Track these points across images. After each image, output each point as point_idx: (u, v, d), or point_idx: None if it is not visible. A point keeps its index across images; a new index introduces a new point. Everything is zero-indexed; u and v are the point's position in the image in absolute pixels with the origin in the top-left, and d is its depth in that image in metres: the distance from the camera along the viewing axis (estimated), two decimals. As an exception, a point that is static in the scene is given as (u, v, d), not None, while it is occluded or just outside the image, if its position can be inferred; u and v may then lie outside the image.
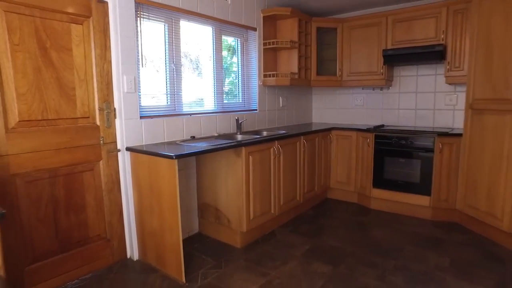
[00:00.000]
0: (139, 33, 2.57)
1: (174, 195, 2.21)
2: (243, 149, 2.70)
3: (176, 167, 2.18)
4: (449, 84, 3.60)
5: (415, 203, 3.46)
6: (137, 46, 2.56)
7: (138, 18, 2.56)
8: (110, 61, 2.43)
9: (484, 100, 2.91)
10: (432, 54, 3.40)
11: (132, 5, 2.47)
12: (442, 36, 3.39)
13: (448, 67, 3.41)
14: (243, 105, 3.73)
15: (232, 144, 2.64)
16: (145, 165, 2.40)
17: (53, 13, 2.14)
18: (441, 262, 2.55)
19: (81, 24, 2.27)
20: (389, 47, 3.71)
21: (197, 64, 3.22)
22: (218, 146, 2.50)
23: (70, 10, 2.20)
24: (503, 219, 2.71)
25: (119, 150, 2.53)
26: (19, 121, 2.03)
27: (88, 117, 2.36)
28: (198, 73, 3.23)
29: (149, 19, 2.68)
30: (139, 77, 2.60)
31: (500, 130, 2.74)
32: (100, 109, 2.41)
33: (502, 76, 2.70)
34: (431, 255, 2.66)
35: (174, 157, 2.15)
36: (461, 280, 2.29)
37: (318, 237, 3.04)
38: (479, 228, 3.04)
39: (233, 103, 3.64)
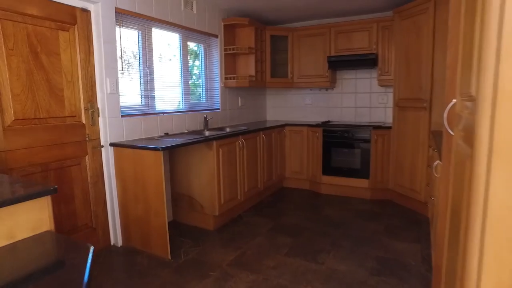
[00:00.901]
0: (118, 40, 2.83)
1: (160, 182, 2.54)
2: (214, 143, 3.10)
3: (162, 158, 2.51)
4: (381, 86, 4.33)
5: (357, 186, 4.13)
6: (117, 52, 2.82)
7: (118, 26, 2.83)
8: (94, 65, 2.67)
9: (405, 99, 3.63)
10: (367, 61, 4.08)
11: (112, 14, 2.73)
12: (374, 46, 4.09)
13: (379, 72, 4.13)
14: (207, 105, 4.10)
15: (207, 137, 3.02)
16: (130, 158, 2.68)
17: (43, 20, 2.34)
18: (377, 229, 3.19)
19: (67, 31, 2.50)
20: (333, 54, 4.34)
21: (166, 68, 3.52)
22: (196, 140, 2.86)
23: (58, 17, 2.42)
24: (421, 192, 3.44)
25: (102, 146, 2.77)
26: (15, 119, 2.22)
27: (75, 116, 2.59)
28: (167, 76, 3.54)
29: (127, 27, 2.95)
30: (119, 80, 2.86)
31: (417, 123, 3.47)
32: (86, 109, 2.64)
33: (417, 80, 3.43)
34: (370, 225, 3.29)
35: (160, 149, 2.48)
36: (392, 240, 2.93)
37: (279, 218, 3.53)
38: (405, 201, 3.77)
39: (198, 103, 4.00)
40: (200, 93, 4.05)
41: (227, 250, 2.78)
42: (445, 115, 1.05)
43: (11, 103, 2.19)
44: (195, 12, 3.65)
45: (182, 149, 3.24)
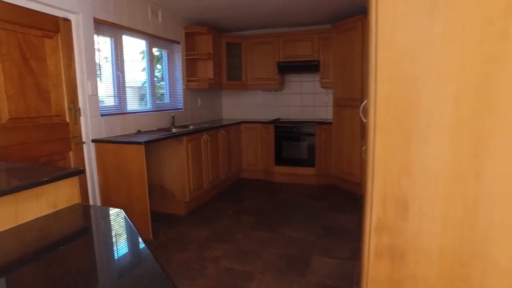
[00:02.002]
0: (96, 46, 3.14)
1: (142, 172, 2.92)
2: (184, 138, 3.54)
3: (144, 151, 2.90)
4: (323, 88, 5.06)
5: (305, 173, 4.81)
6: (96, 57, 3.13)
7: (96, 34, 3.14)
8: (75, 69, 2.96)
9: (343, 99, 4.38)
10: (310, 67, 4.78)
11: (91, 23, 3.04)
12: (316, 54, 4.80)
13: (321, 76, 4.85)
14: (171, 105, 4.49)
15: (180, 133, 3.45)
16: (113, 152, 3.02)
17: (30, 28, 2.60)
18: (323, 206, 3.87)
19: (52, 38, 2.77)
20: (281, 60, 4.98)
21: (134, 71, 3.86)
22: (170, 135, 3.28)
23: (43, 26, 2.69)
24: (357, 175, 4.21)
25: (84, 143, 3.07)
26: (9, 118, 2.47)
27: (60, 115, 2.86)
28: (136, 79, 3.88)
29: (102, 35, 3.26)
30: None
31: (352, 118, 4.23)
32: (69, 109, 2.93)
33: (351, 83, 4.19)
34: (317, 203, 3.96)
35: (143, 143, 2.87)
36: (335, 213, 3.62)
37: (240, 203, 4.06)
38: (345, 184, 4.53)
39: (163, 103, 4.37)
40: (163, 94, 4.42)
41: (200, 229, 3.24)
42: (361, 109, 1.66)
43: (6, 104, 2.44)
44: (160, 21, 4.03)
45: (154, 144, 3.62)
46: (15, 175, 1.80)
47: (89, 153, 3.08)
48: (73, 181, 1.75)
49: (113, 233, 1.42)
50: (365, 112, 1.35)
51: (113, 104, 3.51)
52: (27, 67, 2.58)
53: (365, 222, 1.30)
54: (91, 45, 3.06)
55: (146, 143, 2.91)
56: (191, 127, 4.34)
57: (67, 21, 2.88)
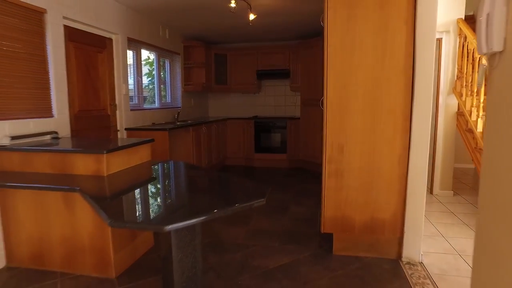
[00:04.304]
0: (126, 57, 4.18)
1: (166, 151, 4.00)
2: (191, 128, 4.64)
3: (168, 136, 3.98)
4: (292, 91, 6.35)
5: (279, 159, 6.06)
6: (127, 66, 4.16)
7: (128, 49, 4.17)
8: (114, 75, 3.98)
9: (308, 99, 5.69)
10: (282, 74, 6.06)
11: (126, 40, 4.08)
12: (287, 64, 6.08)
13: (291, 81, 6.13)
14: (172, 104, 5.55)
15: (188, 124, 4.56)
16: (142, 137, 4.06)
17: (89, 46, 3.61)
18: (294, 180, 5.13)
19: (101, 52, 3.79)
20: (260, 68, 6.20)
21: (146, 77, 4.91)
22: (183, 125, 4.38)
23: (96, 44, 3.70)
24: (319, 157, 5.53)
25: (118, 130, 4.08)
26: (78, 110, 3.46)
27: (105, 109, 3.87)
28: (149, 83, 4.93)
29: (129, 49, 4.29)
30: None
31: (314, 114, 5.53)
32: (110, 105, 3.94)
33: (314, 87, 5.50)
34: (290, 179, 5.22)
35: (168, 129, 3.96)
36: (303, 184, 4.89)
37: (231, 179, 5.22)
38: (311, 166, 5.82)
39: (166, 102, 5.43)
40: (165, 95, 5.48)
41: (206, 195, 4.37)
42: (320, 102, 2.89)
43: (77, 99, 3.44)
44: (167, 37, 5.10)
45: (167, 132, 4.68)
46: (112, 142, 2.86)
47: (122, 137, 4.10)
48: (147, 146, 2.85)
49: (171, 169, 2.56)
50: (323, 103, 2.59)
51: (135, 102, 4.53)
52: (88, 74, 3.59)
53: (323, 158, 2.54)
54: (125, 57, 4.09)
55: (170, 130, 3.99)
56: (189, 121, 5.43)
57: (110, 40, 3.91)
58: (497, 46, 1.22)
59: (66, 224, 2.37)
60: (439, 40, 4.14)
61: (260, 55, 6.21)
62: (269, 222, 3.39)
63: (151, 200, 1.88)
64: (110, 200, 1.85)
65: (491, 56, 1.32)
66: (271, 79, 6.44)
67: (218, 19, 4.66)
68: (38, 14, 2.83)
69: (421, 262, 2.50)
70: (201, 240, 1.94)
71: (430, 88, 2.34)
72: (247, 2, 3.76)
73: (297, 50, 5.98)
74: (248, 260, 2.58)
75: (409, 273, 2.36)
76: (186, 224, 1.39)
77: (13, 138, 2.51)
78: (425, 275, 2.34)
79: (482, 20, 1.27)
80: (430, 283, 2.24)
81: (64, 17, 3.12)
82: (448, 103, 4.09)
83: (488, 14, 1.26)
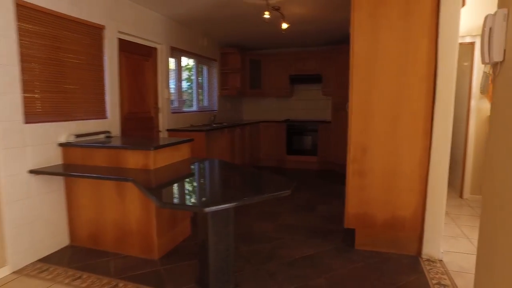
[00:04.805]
0: (169, 65, 4.58)
1: (203, 150, 4.34)
2: (226, 130, 4.97)
3: (205, 136, 4.32)
4: (323, 95, 6.50)
5: (310, 161, 6.24)
6: (169, 73, 4.57)
7: (170, 57, 4.58)
8: (157, 81, 4.39)
9: (338, 104, 5.82)
10: (315, 79, 6.24)
11: (168, 49, 4.49)
12: (319, 69, 6.25)
13: (323, 86, 6.30)
14: (209, 107, 5.93)
15: (223, 126, 4.89)
16: (182, 138, 4.43)
17: (137, 55, 4.03)
18: (322, 182, 5.29)
19: (147, 61, 4.21)
20: (292, 73, 6.43)
21: (185, 82, 5.30)
22: (219, 127, 4.71)
23: (143, 53, 4.12)
24: (349, 160, 5.63)
25: (160, 131, 4.48)
26: (127, 112, 3.88)
27: (149, 112, 4.29)
28: (188, 87, 5.32)
29: (171, 57, 4.70)
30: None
31: (346, 119, 5.65)
32: (153, 108, 4.35)
33: (344, 92, 5.63)
34: (318, 182, 5.39)
35: (205, 131, 4.30)
36: (331, 185, 5.04)
37: (263, 179, 5.49)
38: (340, 169, 5.93)
39: (204, 106, 5.81)
40: (203, 99, 5.86)
41: (238, 193, 4.66)
42: (346, 106, 3.07)
43: (126, 102, 3.86)
44: (206, 45, 5.48)
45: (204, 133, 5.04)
46: (157, 140, 3.22)
47: (164, 137, 4.50)
48: (188, 145, 3.18)
49: (207, 165, 2.85)
50: (349, 108, 2.78)
51: (175, 105, 4.94)
52: (135, 80, 4.01)
53: (348, 159, 2.73)
54: (167, 64, 4.50)
55: (207, 131, 4.33)
56: (225, 123, 5.77)
57: (155, 49, 4.33)
58: (497, 57, 1.39)
59: (118, 211, 2.74)
60: (472, 44, 4.15)
61: (293, 60, 6.43)
62: (297, 219, 3.60)
63: (191, 189, 2.19)
64: (158, 189, 2.17)
65: (494, 65, 1.48)
66: (304, 83, 6.64)
67: (253, 28, 4.96)
68: (98, 30, 3.27)
69: (441, 260, 2.61)
70: (234, 230, 2.21)
71: (452, 93, 2.46)
72: (280, 12, 4.02)
73: (329, 55, 6.14)
74: (275, 250, 2.81)
75: (427, 269, 2.48)
76: (221, 208, 1.66)
77: (77, 136, 2.94)
78: (443, 271, 2.45)
79: (485, 33, 1.44)
80: (447, 278, 2.35)
81: (119, 31, 3.55)
82: (480, 107, 4.08)
83: (490, 28, 1.43)
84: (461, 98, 4.32)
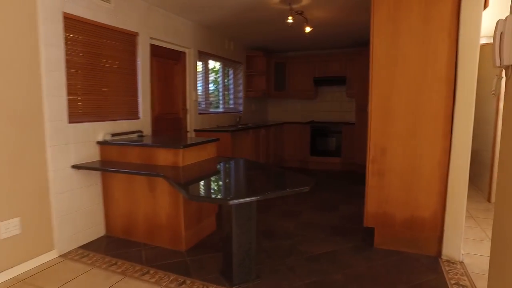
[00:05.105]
0: (197, 68, 4.80)
1: (229, 149, 4.51)
2: (250, 131, 5.12)
3: (230, 137, 4.50)
4: (348, 97, 6.52)
5: (333, 162, 6.28)
6: (197, 75, 4.79)
7: (198, 60, 4.80)
8: (186, 83, 4.62)
9: (363, 105, 5.83)
10: (339, 81, 6.28)
11: (197, 53, 4.71)
12: (344, 70, 6.28)
13: (347, 88, 6.32)
14: (235, 109, 6.11)
15: (248, 127, 5.05)
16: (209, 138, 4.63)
17: (167, 59, 4.27)
18: (345, 183, 5.33)
19: (177, 64, 4.44)
20: (317, 75, 6.50)
21: (211, 84, 5.51)
22: (244, 127, 4.88)
23: (173, 57, 4.36)
24: (373, 162, 5.64)
25: (188, 131, 4.71)
26: (158, 113, 4.13)
27: (178, 113, 4.52)
28: (214, 89, 5.53)
29: (199, 60, 4.92)
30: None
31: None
32: (182, 109, 4.58)
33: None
34: (341, 182, 5.43)
35: (230, 131, 4.48)
36: (354, 186, 5.07)
37: (286, 179, 5.60)
38: (363, 170, 5.93)
39: (229, 107, 6.00)
40: (229, 101, 6.06)
41: (262, 192, 4.80)
42: (368, 108, 3.13)
43: (157, 104, 4.10)
44: (232, 48, 5.68)
45: (229, 134, 5.22)
46: (186, 140, 3.41)
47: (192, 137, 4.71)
48: (214, 144, 3.35)
49: (232, 164, 3.00)
50: (369, 109, 2.85)
51: (202, 107, 5.16)
52: (165, 83, 4.25)
53: (367, 159, 2.80)
54: (195, 67, 4.72)
55: (232, 132, 4.51)
56: (250, 124, 5.93)
57: (184, 53, 4.56)
58: (507, 60, 1.45)
59: (149, 205, 2.96)
60: (501, 46, 4.07)
61: (317, 62, 6.50)
62: (318, 218, 3.69)
63: (217, 185, 2.35)
64: (186, 183, 2.35)
65: (506, 69, 1.54)
66: (328, 85, 6.70)
67: (278, 31, 5.09)
68: (132, 37, 3.52)
69: (461, 262, 2.62)
70: (256, 226, 2.35)
71: (473, 95, 2.48)
72: (303, 17, 4.13)
73: (353, 57, 6.16)
74: (296, 246, 2.93)
75: (446, 269, 2.51)
76: (245, 201, 1.80)
77: (113, 135, 3.19)
78: (463, 272, 2.47)
79: (496, 38, 1.50)
80: (466, 279, 2.38)
81: (151, 37, 3.79)
82: (509, 109, 3.99)
83: (501, 33, 1.49)
84: (488, 99, 4.24)
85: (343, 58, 6.28)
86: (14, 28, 2.36)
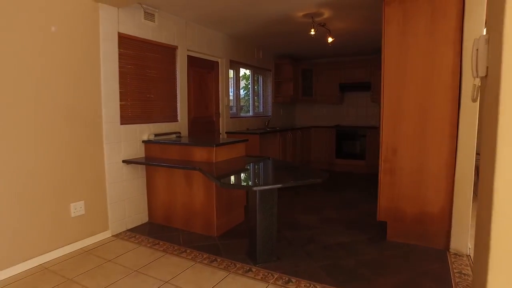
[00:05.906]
0: (229, 76, 5.25)
1: (257, 149, 4.91)
2: (278, 134, 5.50)
3: (259, 138, 4.89)
4: (373, 102, 6.72)
5: (358, 165, 6.49)
6: (229, 82, 5.24)
7: (230, 69, 5.25)
8: (218, 90, 5.08)
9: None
10: (364, 87, 6.51)
11: (228, 63, 5.16)
12: (369, 77, 6.50)
13: (372, 93, 6.53)
14: (263, 113, 6.51)
15: (277, 130, 5.42)
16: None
17: (202, 68, 4.75)
18: (368, 184, 5.54)
19: (210, 73, 4.91)
20: (343, 81, 6.76)
21: (242, 90, 5.94)
22: (272, 130, 5.26)
23: (207, 67, 4.83)
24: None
25: (220, 134, 5.15)
26: (193, 116, 4.61)
27: (212, 116, 4.98)
28: (245, 95, 5.96)
29: (231, 68, 5.38)
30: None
31: (394, 124, 5.84)
32: (215, 113, 5.04)
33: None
34: (365, 184, 5.64)
35: (259, 133, 4.88)
36: (375, 186, 5.28)
37: (311, 180, 5.90)
38: (388, 173, 6.10)
39: (259, 111, 6.41)
40: (258, 105, 6.46)
41: (291, 192, 5.14)
42: (381, 113, 3.40)
43: (193, 108, 4.59)
44: (261, 56, 6.10)
45: (258, 136, 5.62)
46: (218, 140, 3.84)
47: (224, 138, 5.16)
48: (242, 144, 3.75)
49: (261, 163, 3.37)
50: (381, 113, 3.13)
51: (233, 111, 5.60)
52: (200, 90, 4.73)
53: (380, 158, 3.08)
54: (227, 75, 5.18)
55: (260, 134, 4.91)
56: (277, 128, 6.30)
57: (217, 62, 5.03)
58: (481, 72, 1.74)
59: (186, 195, 3.41)
60: None
61: (343, 69, 6.77)
62: (338, 214, 3.99)
63: (245, 176, 2.74)
64: (219, 175, 2.77)
65: (482, 79, 1.82)
66: (353, 91, 6.93)
67: (303, 41, 5.45)
68: (172, 50, 4.03)
69: (468, 255, 2.83)
70: (280, 218, 2.71)
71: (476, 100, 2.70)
72: (326, 28, 4.46)
73: (377, 63, 6.36)
74: (314, 236, 3.25)
75: (452, 261, 2.73)
76: (267, 188, 2.18)
77: (155, 135, 3.69)
78: (468, 263, 2.69)
79: (473, 53, 1.79)
80: (470, 269, 2.59)
81: (188, 49, 4.29)
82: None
83: (477, 50, 1.78)
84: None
85: (368, 64, 6.50)
86: (82, 46, 2.91)
